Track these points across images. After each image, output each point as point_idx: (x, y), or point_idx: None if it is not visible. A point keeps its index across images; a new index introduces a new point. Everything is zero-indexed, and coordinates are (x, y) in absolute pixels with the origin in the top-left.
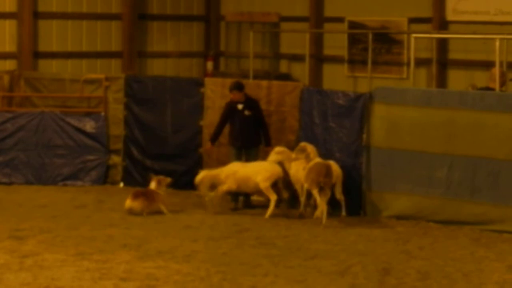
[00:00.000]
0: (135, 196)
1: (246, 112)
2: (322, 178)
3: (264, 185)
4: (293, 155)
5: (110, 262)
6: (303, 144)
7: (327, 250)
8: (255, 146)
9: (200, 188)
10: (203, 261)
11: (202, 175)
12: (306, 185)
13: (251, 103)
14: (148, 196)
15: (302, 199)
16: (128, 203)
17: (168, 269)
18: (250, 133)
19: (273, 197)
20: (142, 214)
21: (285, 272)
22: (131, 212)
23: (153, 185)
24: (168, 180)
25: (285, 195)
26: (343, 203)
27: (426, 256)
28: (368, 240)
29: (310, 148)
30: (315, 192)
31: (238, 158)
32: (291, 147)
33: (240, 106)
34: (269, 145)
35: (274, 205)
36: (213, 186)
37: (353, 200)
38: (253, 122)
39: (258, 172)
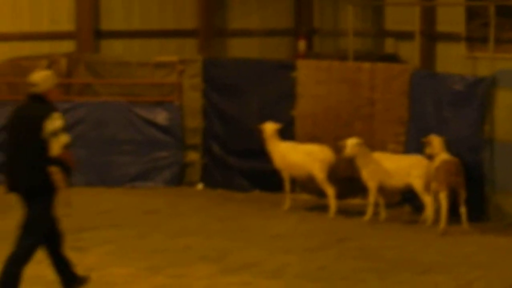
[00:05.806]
0: None
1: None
2: (454, 177)
3: (320, 176)
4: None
5: (188, 277)
6: (432, 136)
7: (443, 262)
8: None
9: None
10: (296, 276)
11: None
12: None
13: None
14: None
15: (382, 202)
16: None
17: (255, 285)
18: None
19: (330, 191)
20: None
21: None
22: None
23: None
24: None
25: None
26: (464, 213)
27: None
28: (493, 250)
29: (437, 140)
30: (442, 196)
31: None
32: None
33: None
34: None
35: (334, 200)
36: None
37: (474, 204)
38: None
39: (311, 160)
